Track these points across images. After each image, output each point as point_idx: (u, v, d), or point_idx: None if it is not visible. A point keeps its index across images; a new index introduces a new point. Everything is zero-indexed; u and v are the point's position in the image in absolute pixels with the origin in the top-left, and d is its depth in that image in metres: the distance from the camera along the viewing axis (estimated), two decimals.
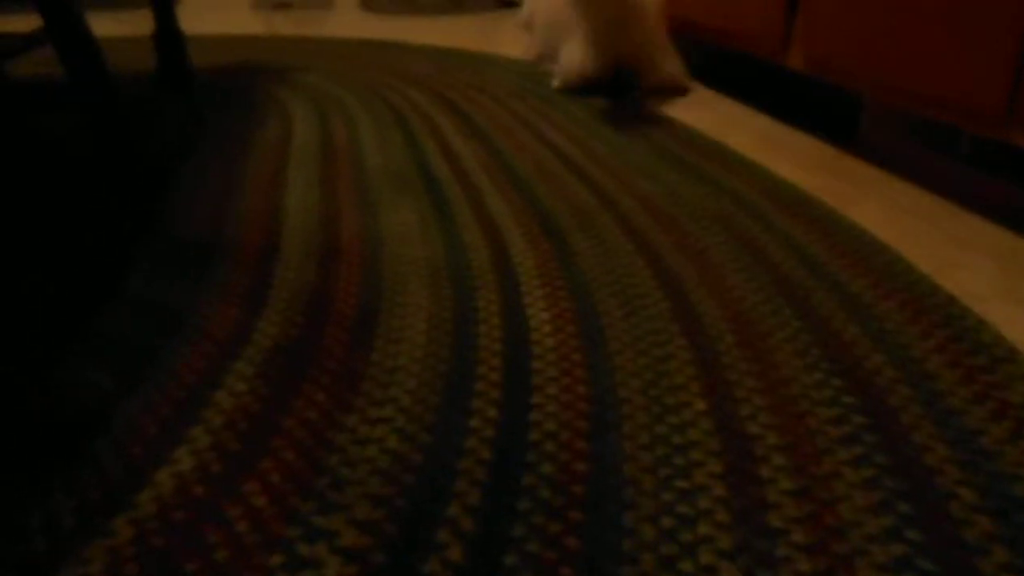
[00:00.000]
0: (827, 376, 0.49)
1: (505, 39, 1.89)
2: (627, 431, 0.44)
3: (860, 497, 0.39)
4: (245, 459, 0.42)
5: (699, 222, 0.73)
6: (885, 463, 0.41)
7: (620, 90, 1.27)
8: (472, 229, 0.72)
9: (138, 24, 2.25)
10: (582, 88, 1.27)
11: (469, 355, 0.52)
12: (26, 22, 2.14)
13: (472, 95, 1.27)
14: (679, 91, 1.28)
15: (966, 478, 0.40)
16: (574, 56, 1.25)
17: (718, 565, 0.35)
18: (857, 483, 0.40)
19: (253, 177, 0.88)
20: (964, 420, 0.44)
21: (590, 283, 0.62)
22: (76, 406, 0.47)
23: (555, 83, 1.30)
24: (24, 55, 1.11)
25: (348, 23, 2.25)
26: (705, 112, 1.17)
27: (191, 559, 0.36)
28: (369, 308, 0.58)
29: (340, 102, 1.24)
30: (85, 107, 0.84)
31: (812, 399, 0.47)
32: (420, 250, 0.68)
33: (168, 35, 1.34)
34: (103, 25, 2.25)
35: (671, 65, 1.27)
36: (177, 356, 0.52)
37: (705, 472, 0.41)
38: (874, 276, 0.62)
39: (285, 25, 2.22)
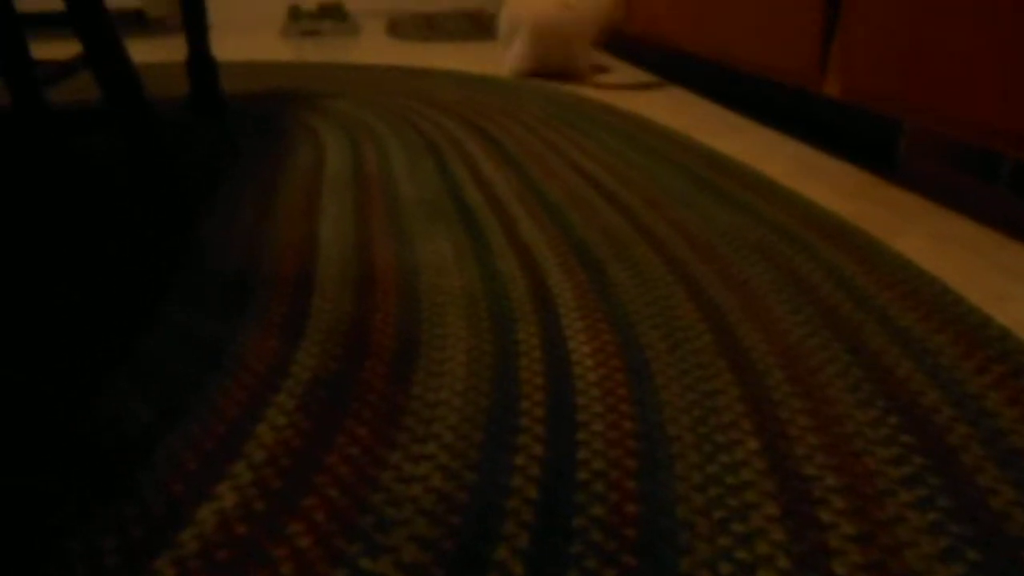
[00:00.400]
0: (883, 414, 0.47)
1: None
2: (678, 471, 0.43)
3: (926, 544, 0.37)
4: (288, 497, 0.41)
5: (739, 251, 0.72)
6: (949, 506, 0.40)
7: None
8: (508, 258, 0.72)
9: (169, 50, 2.28)
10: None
11: (511, 389, 0.51)
12: (63, 49, 2.18)
13: (501, 121, 1.27)
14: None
15: None
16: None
17: None
18: (922, 528, 0.38)
19: (287, 205, 0.88)
20: None
21: (631, 315, 0.61)
22: (117, 438, 0.46)
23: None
24: (64, 81, 1.13)
25: (375, 49, 2.27)
26: (737, 138, 1.16)
27: None
28: (407, 340, 0.58)
29: (370, 129, 1.24)
30: (123, 133, 0.84)
31: (868, 438, 0.45)
32: (456, 280, 0.67)
33: (201, 61, 1.35)
34: (136, 51, 2.28)
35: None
36: (217, 388, 0.51)
37: (762, 515, 0.40)
38: (924, 309, 0.60)
39: (313, 52, 2.25)
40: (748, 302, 0.62)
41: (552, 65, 1.72)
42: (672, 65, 1.82)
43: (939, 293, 0.62)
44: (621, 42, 2.14)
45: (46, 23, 1.06)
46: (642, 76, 1.79)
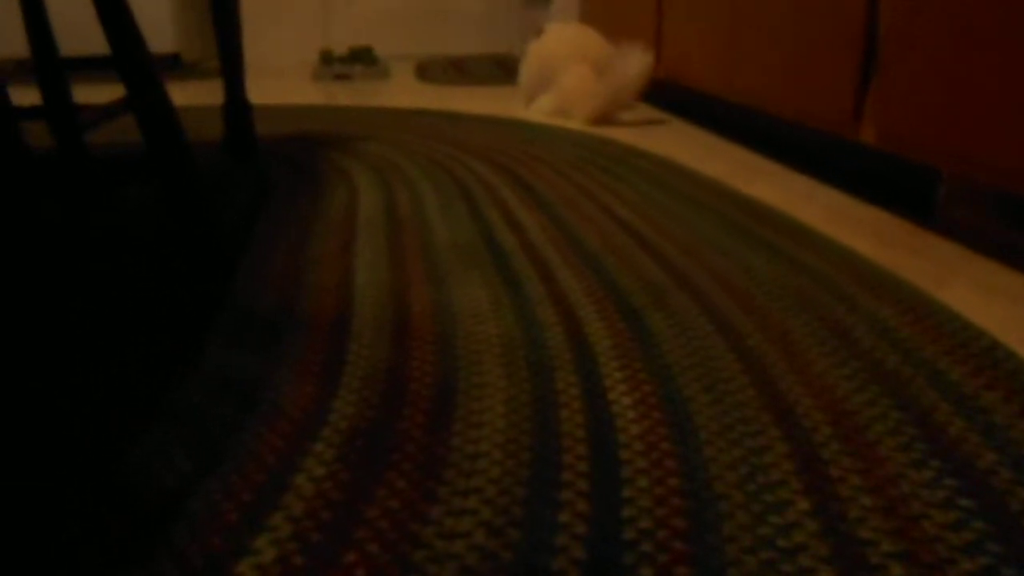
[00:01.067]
0: (938, 475, 0.46)
1: None
2: (728, 531, 0.42)
3: None
4: (329, 552, 0.41)
5: (779, 301, 0.71)
6: None
7: None
8: (544, 305, 0.71)
9: (204, 93, 2.32)
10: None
11: (552, 442, 0.50)
12: (98, 92, 2.23)
13: (532, 165, 1.27)
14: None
15: None
16: (544, 107, 1.86)
17: None
18: None
19: (322, 248, 0.88)
20: None
21: (672, 366, 0.60)
22: (155, 487, 0.46)
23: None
24: (104, 124, 1.15)
25: (405, 93, 2.30)
26: (770, 184, 1.15)
27: None
28: (445, 388, 0.57)
29: (403, 172, 1.25)
30: (163, 178, 0.85)
31: (924, 500, 0.44)
32: (493, 327, 0.67)
33: (237, 105, 1.38)
34: (171, 94, 2.33)
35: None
36: (255, 436, 0.51)
37: None
38: (973, 363, 0.58)
39: (345, 95, 2.28)
40: (790, 354, 0.61)
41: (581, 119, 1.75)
42: (700, 109, 1.83)
43: (988, 347, 0.61)
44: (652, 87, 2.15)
45: (89, 66, 1.09)
46: (655, 114, 1.81)
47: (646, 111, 1.90)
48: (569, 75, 1.76)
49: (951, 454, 0.48)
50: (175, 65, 2.80)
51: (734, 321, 0.67)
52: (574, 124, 1.71)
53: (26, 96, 1.49)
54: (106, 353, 0.64)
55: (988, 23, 0.76)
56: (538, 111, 1.86)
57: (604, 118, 1.73)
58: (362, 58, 2.72)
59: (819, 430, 0.51)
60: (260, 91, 2.37)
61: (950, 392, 0.55)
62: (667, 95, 2.02)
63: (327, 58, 2.72)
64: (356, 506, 0.44)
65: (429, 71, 2.68)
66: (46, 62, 1.04)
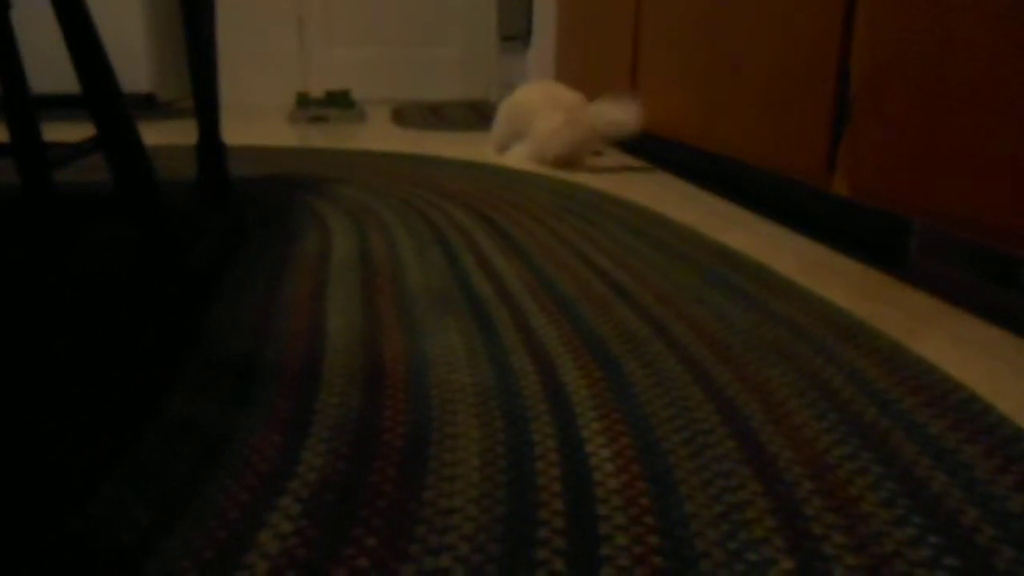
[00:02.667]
0: (921, 532, 0.45)
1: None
2: None
3: None
4: None
5: (756, 351, 0.70)
6: None
7: None
8: (520, 353, 0.70)
9: (177, 133, 2.31)
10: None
11: (528, 496, 0.48)
12: (67, 131, 2.20)
13: (507, 211, 1.27)
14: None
15: None
16: (517, 154, 1.88)
17: None
18: None
19: (293, 294, 0.87)
20: None
21: (649, 416, 0.58)
22: (111, 545, 0.43)
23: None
24: (73, 163, 1.13)
25: (380, 137, 2.31)
26: (744, 233, 1.16)
27: None
28: (418, 439, 0.55)
29: (377, 216, 1.24)
30: (131, 217, 0.83)
31: (909, 559, 0.43)
32: (467, 375, 0.65)
33: (210, 145, 1.36)
34: (145, 134, 2.31)
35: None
36: (218, 488, 0.49)
37: None
38: (952, 416, 0.58)
39: (320, 138, 2.28)
40: (770, 406, 0.60)
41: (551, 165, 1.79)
42: (676, 158, 1.85)
43: (966, 400, 0.61)
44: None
45: (60, 105, 1.07)
46: (631, 162, 1.82)
47: (620, 158, 1.92)
48: (541, 120, 1.79)
49: (934, 510, 0.47)
50: (150, 105, 2.79)
51: (712, 371, 0.66)
52: (546, 169, 1.71)
53: None
54: (65, 400, 0.61)
55: (958, 81, 0.78)
56: (512, 157, 1.88)
57: (572, 161, 1.75)
58: (338, 101, 2.73)
59: (801, 484, 0.50)
60: (235, 132, 2.36)
61: (930, 446, 0.54)
62: (643, 144, 2.05)
63: (303, 101, 2.73)
64: (323, 565, 0.42)
65: (406, 116, 2.70)
66: (15, 98, 1.03)
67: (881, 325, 0.79)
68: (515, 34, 2.95)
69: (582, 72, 2.27)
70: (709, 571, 0.42)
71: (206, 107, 1.36)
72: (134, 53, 2.57)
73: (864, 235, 1.12)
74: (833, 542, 0.44)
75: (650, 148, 1.99)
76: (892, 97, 0.88)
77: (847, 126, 0.97)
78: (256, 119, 2.75)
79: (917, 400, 0.61)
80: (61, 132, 2.12)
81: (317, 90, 3.02)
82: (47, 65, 2.05)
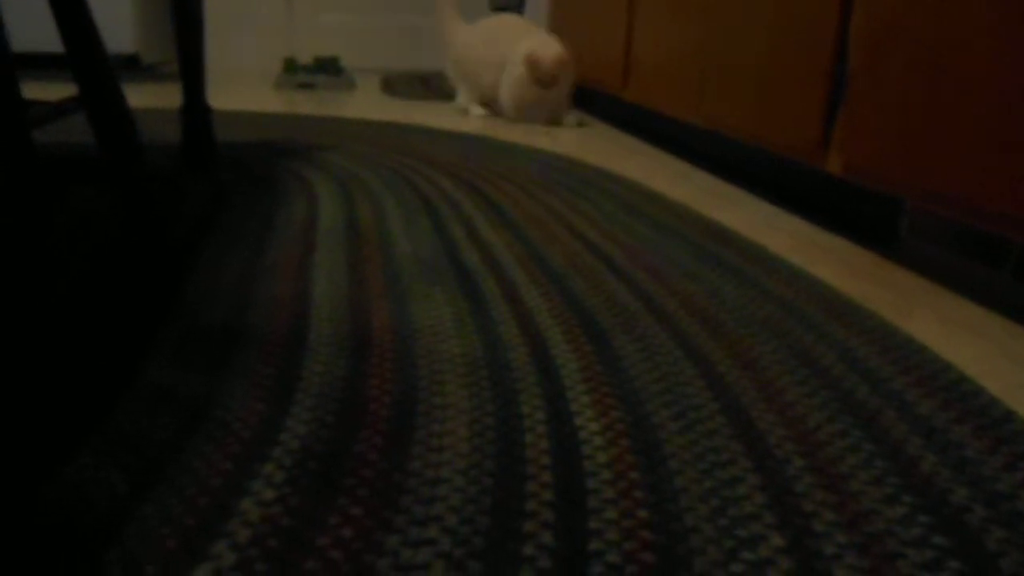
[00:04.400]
0: (912, 511, 0.44)
1: (523, 127, 1.90)
2: (699, 567, 0.40)
3: None
4: None
5: (748, 328, 0.69)
6: None
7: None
8: (509, 325, 0.69)
9: (162, 96, 2.27)
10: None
11: (517, 468, 0.48)
12: (53, 90, 2.16)
13: (498, 183, 1.26)
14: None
15: None
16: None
17: None
18: None
19: (279, 260, 0.85)
20: None
21: (639, 391, 0.58)
22: (87, 511, 0.42)
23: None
24: (55, 123, 1.10)
25: (370, 105, 2.27)
26: (736, 211, 1.15)
27: None
28: (405, 409, 0.54)
29: (365, 184, 1.22)
30: (113, 180, 0.81)
31: (900, 538, 0.42)
32: (456, 346, 0.65)
33: (196, 109, 1.34)
34: (128, 96, 2.27)
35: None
36: (199, 456, 0.48)
37: None
38: (942, 396, 0.58)
39: (308, 105, 2.25)
40: (761, 382, 0.60)
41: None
42: (671, 135, 1.83)
43: (956, 380, 0.60)
44: (618, 109, 2.16)
45: (42, 64, 1.04)
46: (618, 134, 1.81)
47: (609, 132, 1.90)
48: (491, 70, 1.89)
49: (924, 489, 0.47)
50: (134, 66, 2.74)
51: (703, 347, 0.65)
52: (538, 141, 1.70)
53: None
54: (41, 367, 0.60)
55: (954, 62, 0.77)
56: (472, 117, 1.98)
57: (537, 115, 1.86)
58: (327, 68, 2.68)
59: (791, 461, 0.49)
60: (221, 97, 2.32)
61: (920, 425, 0.54)
62: (636, 121, 2.03)
63: (291, 66, 2.68)
64: (306, 534, 0.41)
65: (396, 85, 2.66)
66: None
67: (871, 304, 0.78)
68: (507, 5, 2.91)
69: (576, 45, 2.25)
70: (699, 546, 0.41)
71: (191, 69, 1.32)
72: (119, 12, 2.51)
73: (856, 215, 1.11)
74: (823, 519, 0.44)
75: (645, 125, 1.98)
76: (888, 77, 0.87)
77: (842, 104, 0.96)
78: (243, 84, 2.70)
79: (908, 379, 0.60)
80: (42, 93, 2.07)
81: (305, 56, 2.96)
82: (28, 23, 2.00)
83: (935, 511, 0.45)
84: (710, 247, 0.93)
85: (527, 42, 1.87)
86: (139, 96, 2.30)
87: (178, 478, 0.45)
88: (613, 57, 1.85)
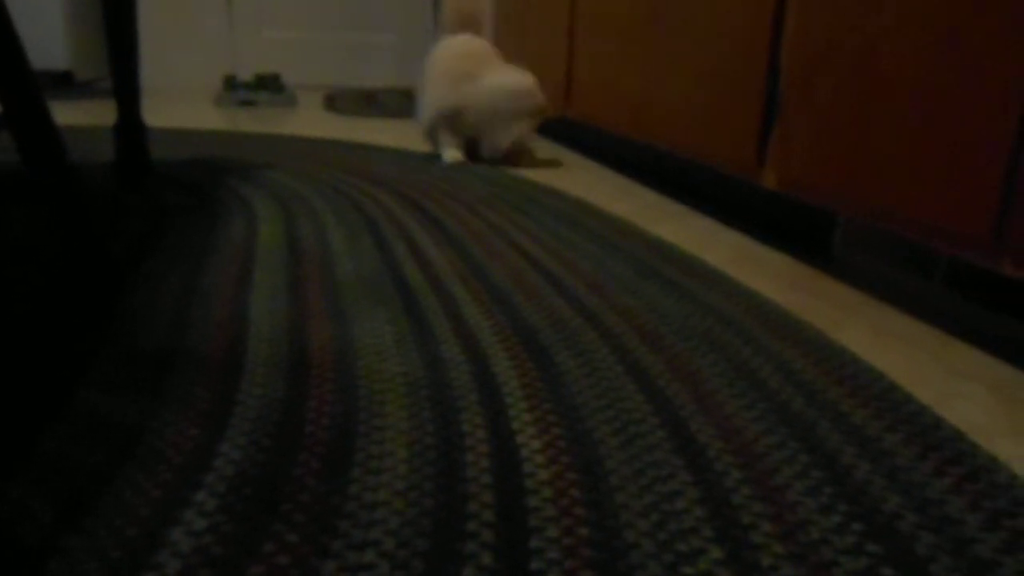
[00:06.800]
0: (846, 520, 0.45)
1: None
2: None
3: None
4: None
5: (687, 342, 0.70)
6: None
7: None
8: (451, 343, 0.69)
9: (97, 114, 2.21)
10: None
11: (457, 489, 0.47)
12: None
13: (441, 200, 1.26)
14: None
15: None
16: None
17: None
18: None
19: (216, 281, 0.83)
20: (999, 574, 0.41)
21: (580, 407, 0.58)
22: (10, 544, 0.40)
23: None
24: None
25: (312, 122, 2.25)
26: (675, 225, 1.17)
27: None
28: (344, 431, 0.53)
29: (306, 202, 1.21)
30: (42, 199, 0.79)
31: (835, 547, 0.43)
32: (397, 365, 0.64)
33: (130, 125, 1.31)
34: (62, 113, 2.21)
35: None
36: (129, 484, 0.46)
37: None
38: (874, 406, 0.59)
39: (249, 123, 2.21)
40: (699, 396, 0.60)
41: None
42: (612, 151, 1.85)
43: (887, 389, 0.62)
44: (560, 126, 2.18)
45: None
46: (564, 154, 1.82)
47: (553, 150, 1.92)
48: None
49: (857, 498, 0.47)
50: (68, 83, 2.67)
51: (643, 361, 0.66)
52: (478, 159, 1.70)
53: None
54: None
55: (884, 77, 0.79)
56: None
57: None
58: (268, 85, 2.66)
59: (730, 474, 0.50)
60: (159, 114, 2.27)
61: (854, 435, 0.55)
62: (578, 136, 2.05)
63: (231, 83, 2.64)
64: (240, 563, 0.40)
65: (338, 102, 2.64)
66: None
67: (807, 316, 0.80)
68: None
69: (519, 61, 2.27)
70: (639, 562, 0.41)
71: (125, 86, 1.30)
72: (51, 28, 2.45)
73: (793, 229, 1.14)
74: (761, 531, 0.44)
75: (585, 141, 2.00)
76: (820, 93, 0.89)
77: (777, 120, 0.99)
78: (182, 101, 2.65)
79: (842, 390, 0.62)
80: None
81: (246, 73, 2.93)
82: None
83: (868, 519, 0.45)
84: (651, 262, 0.94)
85: (500, 74, 1.65)
86: (73, 113, 2.24)
87: (106, 508, 0.44)
88: (556, 76, 1.87)
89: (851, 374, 0.65)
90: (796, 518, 0.45)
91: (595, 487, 0.48)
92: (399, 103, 2.60)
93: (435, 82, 1.66)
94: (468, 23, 1.98)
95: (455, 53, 1.68)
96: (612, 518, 0.45)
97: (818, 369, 0.65)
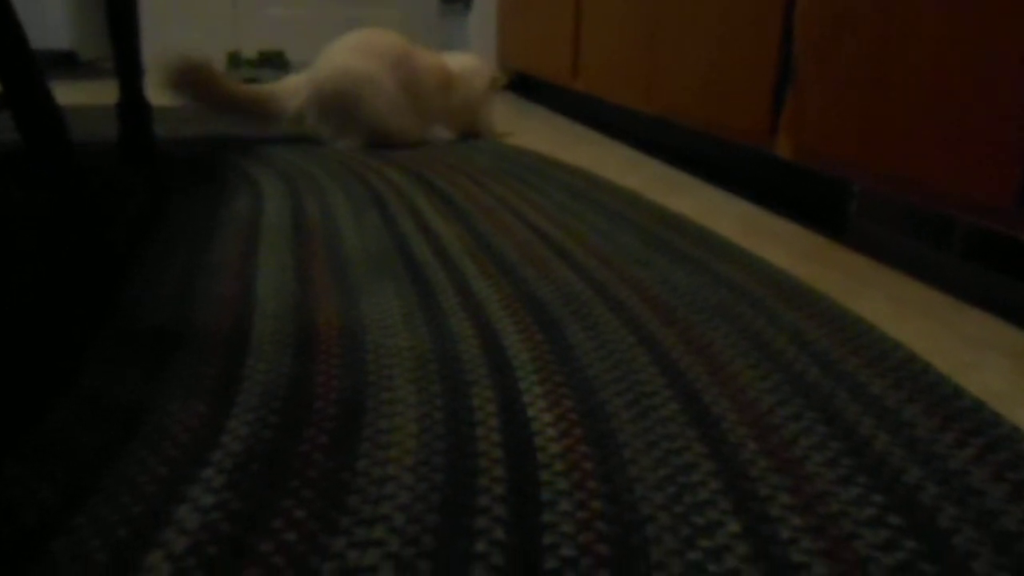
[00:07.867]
0: (866, 491, 0.44)
1: None
2: (656, 558, 0.39)
3: None
4: None
5: (700, 313, 0.69)
6: None
7: None
8: (459, 317, 0.67)
9: (101, 93, 2.20)
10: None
11: (467, 463, 0.46)
12: None
13: (448, 174, 1.24)
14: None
15: None
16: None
17: None
18: None
19: (221, 258, 0.82)
20: None
21: (592, 380, 0.57)
22: (13, 525, 0.40)
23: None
24: None
25: None
26: (686, 197, 1.15)
27: None
28: (352, 406, 0.52)
29: (313, 179, 1.19)
30: (44, 180, 0.78)
31: (855, 519, 0.42)
32: (405, 340, 0.63)
33: (133, 104, 1.29)
34: (65, 93, 2.19)
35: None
36: (134, 462, 0.45)
37: None
38: (892, 376, 0.58)
39: None
40: (713, 367, 0.59)
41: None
42: (618, 123, 1.83)
43: (906, 360, 0.61)
44: (568, 98, 2.15)
45: None
46: (565, 124, 1.80)
47: (554, 120, 1.89)
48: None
49: (877, 469, 0.46)
50: (71, 63, 2.65)
51: (655, 333, 0.65)
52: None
53: None
54: None
55: (902, 43, 0.77)
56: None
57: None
58: (272, 62, 2.63)
59: (746, 445, 0.49)
60: (160, 92, 2.25)
61: (872, 405, 0.54)
62: (586, 110, 2.03)
63: (235, 60, 2.62)
64: (248, 540, 0.39)
65: None
66: None
67: (821, 286, 0.79)
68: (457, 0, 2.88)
69: (525, 35, 2.24)
70: (655, 535, 0.40)
71: (127, 64, 1.28)
72: (53, 8, 2.43)
73: (805, 199, 1.12)
74: (779, 503, 0.43)
75: (595, 114, 1.98)
76: (836, 58, 0.87)
77: (791, 87, 0.97)
78: None
79: (858, 360, 0.60)
80: None
81: (250, 50, 2.90)
82: None
83: (889, 491, 0.44)
84: (661, 234, 0.93)
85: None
86: (76, 93, 2.22)
87: (111, 486, 0.43)
88: (563, 48, 1.84)
89: (868, 344, 0.63)
90: (814, 490, 0.44)
91: (608, 460, 0.47)
92: None
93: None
94: None
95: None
96: (626, 491, 0.44)
97: (834, 340, 0.64)
